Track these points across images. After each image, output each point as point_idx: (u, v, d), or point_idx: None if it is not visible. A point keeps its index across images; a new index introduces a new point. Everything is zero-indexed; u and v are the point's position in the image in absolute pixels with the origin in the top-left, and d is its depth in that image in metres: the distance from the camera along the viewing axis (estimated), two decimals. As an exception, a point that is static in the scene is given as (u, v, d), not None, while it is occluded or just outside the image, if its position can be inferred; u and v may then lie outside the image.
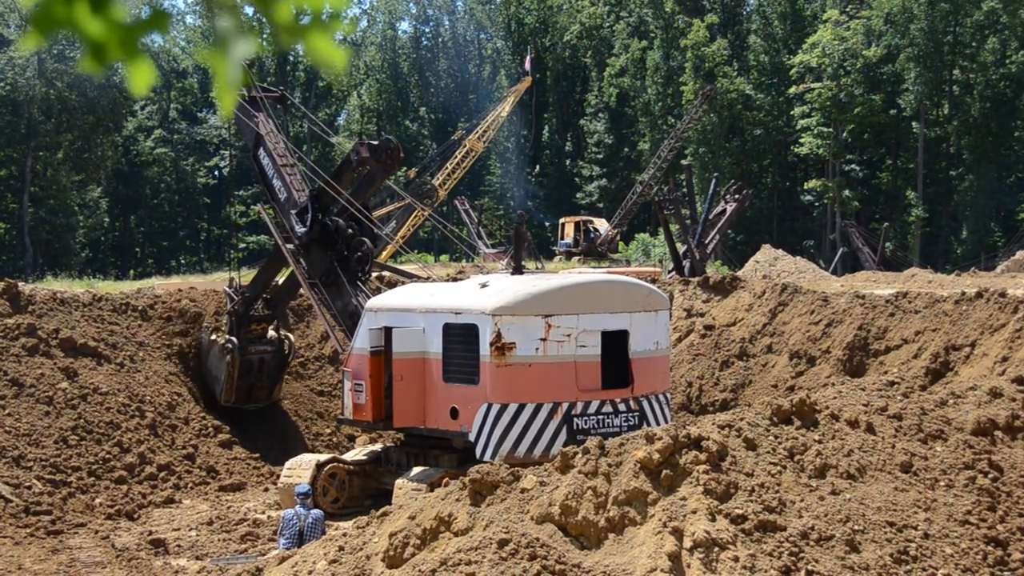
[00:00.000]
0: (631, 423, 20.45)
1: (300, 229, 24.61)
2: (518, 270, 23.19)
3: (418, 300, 21.49)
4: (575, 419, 20.19)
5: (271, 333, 28.16)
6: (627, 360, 20.64)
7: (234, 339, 27.23)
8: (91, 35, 2.96)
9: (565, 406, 20.08)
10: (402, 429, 21.33)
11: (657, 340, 21.16)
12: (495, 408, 19.83)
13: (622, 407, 20.52)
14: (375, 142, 24.58)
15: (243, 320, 27.47)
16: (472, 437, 19.88)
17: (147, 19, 3.07)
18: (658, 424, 20.33)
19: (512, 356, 19.92)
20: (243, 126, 27.44)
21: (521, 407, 19.90)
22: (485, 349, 19.75)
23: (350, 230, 24.34)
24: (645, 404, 20.76)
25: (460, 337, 20.28)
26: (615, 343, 20.63)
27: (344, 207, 24.51)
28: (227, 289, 27.98)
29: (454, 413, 20.20)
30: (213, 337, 27.88)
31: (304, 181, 26.02)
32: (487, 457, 19.39)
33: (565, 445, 19.87)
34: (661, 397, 21.15)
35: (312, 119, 35.83)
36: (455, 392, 20.29)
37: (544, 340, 20.08)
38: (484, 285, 20.99)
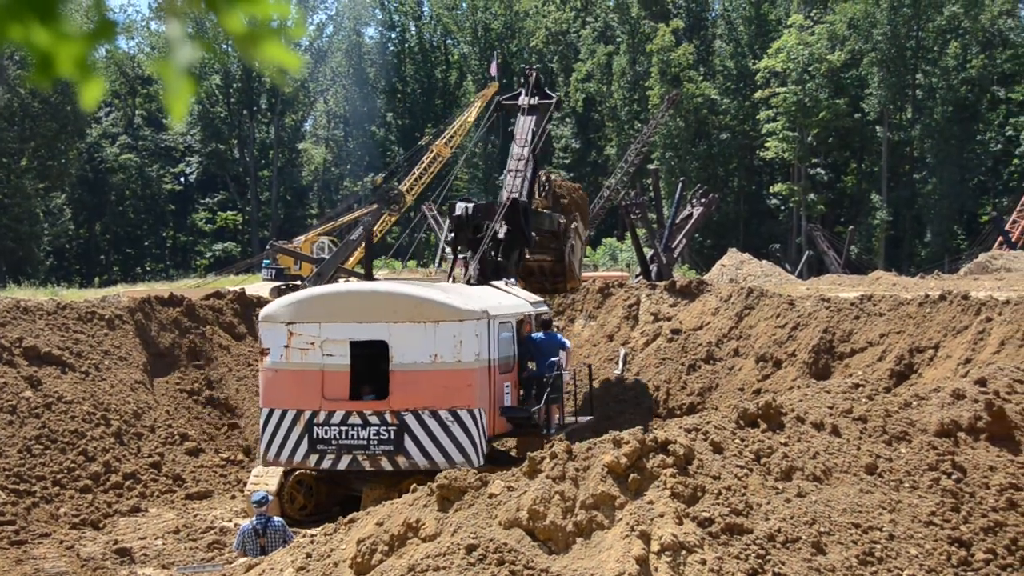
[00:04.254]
0: (383, 437, 20.00)
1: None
2: (367, 276, 24.27)
3: None
4: (316, 428, 20.37)
5: None
6: (387, 372, 20.11)
7: None
8: (38, 47, 2.93)
9: (307, 414, 20.35)
10: None
11: (435, 353, 19.92)
12: (263, 412, 20.97)
13: (374, 420, 20.07)
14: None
15: None
16: None
17: (94, 30, 3.05)
18: (421, 443, 19.84)
19: (266, 362, 20.90)
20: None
21: (271, 412, 20.74)
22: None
23: None
24: (409, 419, 19.87)
25: None
26: (377, 354, 20.26)
27: None
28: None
29: None
30: None
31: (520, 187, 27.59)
32: (261, 462, 20.99)
33: (307, 455, 20.57)
34: (444, 414, 19.80)
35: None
36: None
37: (287, 347, 20.63)
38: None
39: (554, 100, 29.92)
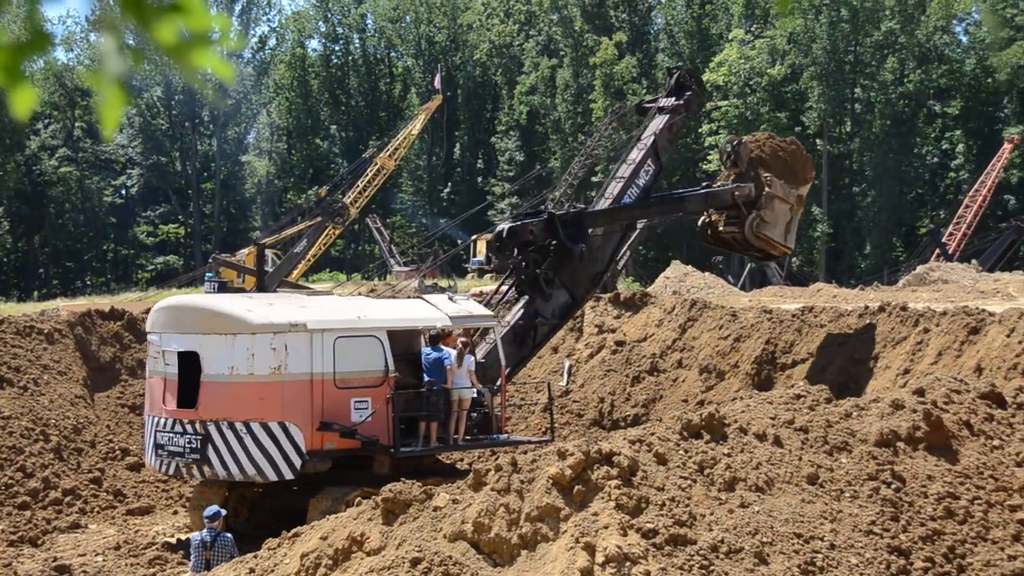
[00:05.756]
0: (193, 445, 20.58)
1: None
2: (260, 288, 24.07)
3: None
4: (157, 434, 21.36)
5: None
6: (198, 382, 20.75)
7: None
8: None
9: (152, 420, 21.58)
10: None
11: (232, 365, 20.34)
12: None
13: (189, 428, 20.73)
14: None
15: None
16: None
17: (28, 42, 3.04)
18: (221, 454, 20.20)
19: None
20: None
21: (144, 419, 22.41)
22: None
23: None
24: (212, 429, 20.34)
25: None
26: (194, 364, 20.89)
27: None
28: None
29: None
30: None
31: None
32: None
33: (152, 459, 21.64)
34: (240, 425, 20.14)
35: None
36: None
37: (149, 356, 22.21)
38: None
39: (683, 100, 27.64)
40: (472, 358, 21.83)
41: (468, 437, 22.20)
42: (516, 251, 24.66)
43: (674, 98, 27.61)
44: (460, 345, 21.70)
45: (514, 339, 24.56)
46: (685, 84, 27.86)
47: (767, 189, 26.98)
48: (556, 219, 24.76)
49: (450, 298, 23.61)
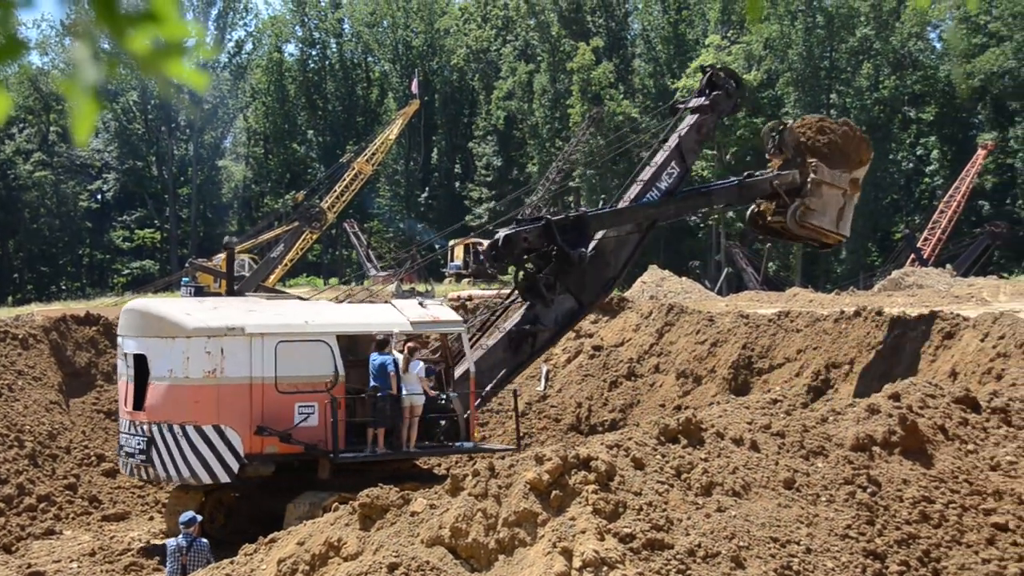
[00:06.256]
0: (141, 447, 21.11)
1: None
2: (230, 292, 24.19)
3: None
4: (121, 435, 21.98)
5: None
6: (146, 385, 21.22)
7: None
8: None
9: (119, 421, 22.29)
10: None
11: (171, 368, 20.74)
12: None
13: (139, 430, 21.26)
14: None
15: None
16: None
17: (2, 48, 3.03)
18: (163, 456, 20.61)
19: None
20: None
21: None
22: None
23: None
24: (155, 431, 20.75)
25: None
26: (145, 367, 21.42)
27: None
28: None
29: None
30: None
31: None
32: None
33: (120, 461, 22.14)
34: (177, 428, 20.45)
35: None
36: None
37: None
38: None
39: (710, 99, 26.15)
40: (421, 364, 21.45)
41: (434, 444, 21.97)
42: (515, 258, 24.15)
43: (703, 98, 26.50)
44: (407, 351, 21.38)
45: (509, 345, 24.16)
46: (718, 83, 26.48)
47: (812, 175, 25.59)
48: (553, 224, 23.97)
49: (420, 303, 23.37)
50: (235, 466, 20.15)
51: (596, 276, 24.89)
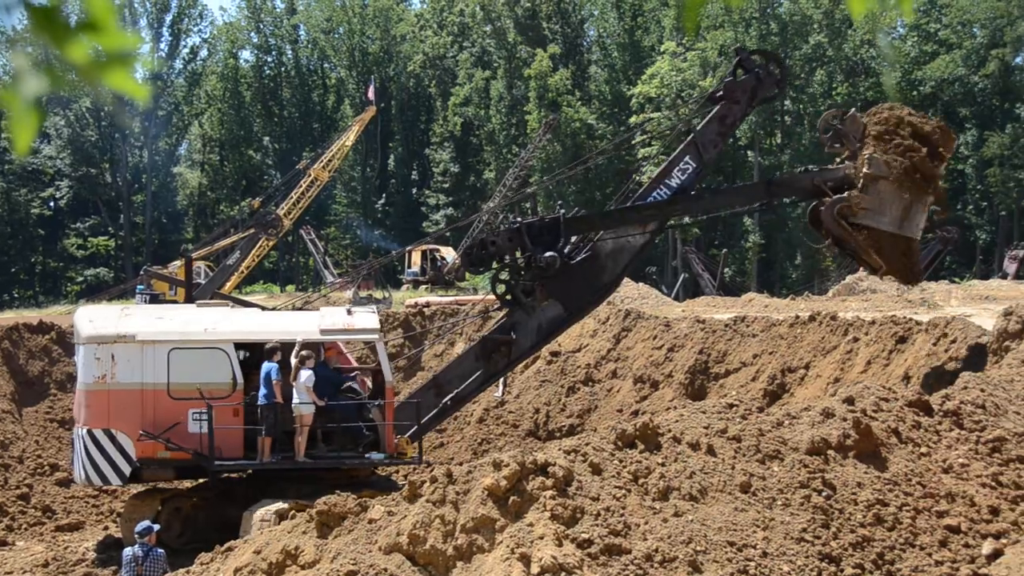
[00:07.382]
0: (74, 451, 21.61)
1: None
2: (188, 299, 24.41)
3: None
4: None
5: None
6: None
7: None
8: None
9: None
10: None
11: (80, 374, 21.68)
12: None
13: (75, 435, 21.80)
14: None
15: None
16: None
17: None
18: (74, 459, 21.10)
19: None
20: None
21: None
22: None
23: None
24: (73, 435, 21.71)
25: None
26: None
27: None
28: None
29: None
30: None
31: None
32: None
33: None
34: (82, 431, 20.70)
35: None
36: None
37: None
38: None
39: (725, 85, 23.22)
40: (309, 372, 20.85)
41: (345, 453, 21.55)
42: (486, 264, 22.89)
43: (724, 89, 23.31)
44: (295, 360, 20.97)
45: (481, 353, 23.00)
46: (749, 69, 23.16)
47: (865, 170, 21.90)
48: (523, 228, 22.40)
49: (348, 311, 23.01)
50: (127, 470, 20.57)
51: (587, 281, 23.02)
